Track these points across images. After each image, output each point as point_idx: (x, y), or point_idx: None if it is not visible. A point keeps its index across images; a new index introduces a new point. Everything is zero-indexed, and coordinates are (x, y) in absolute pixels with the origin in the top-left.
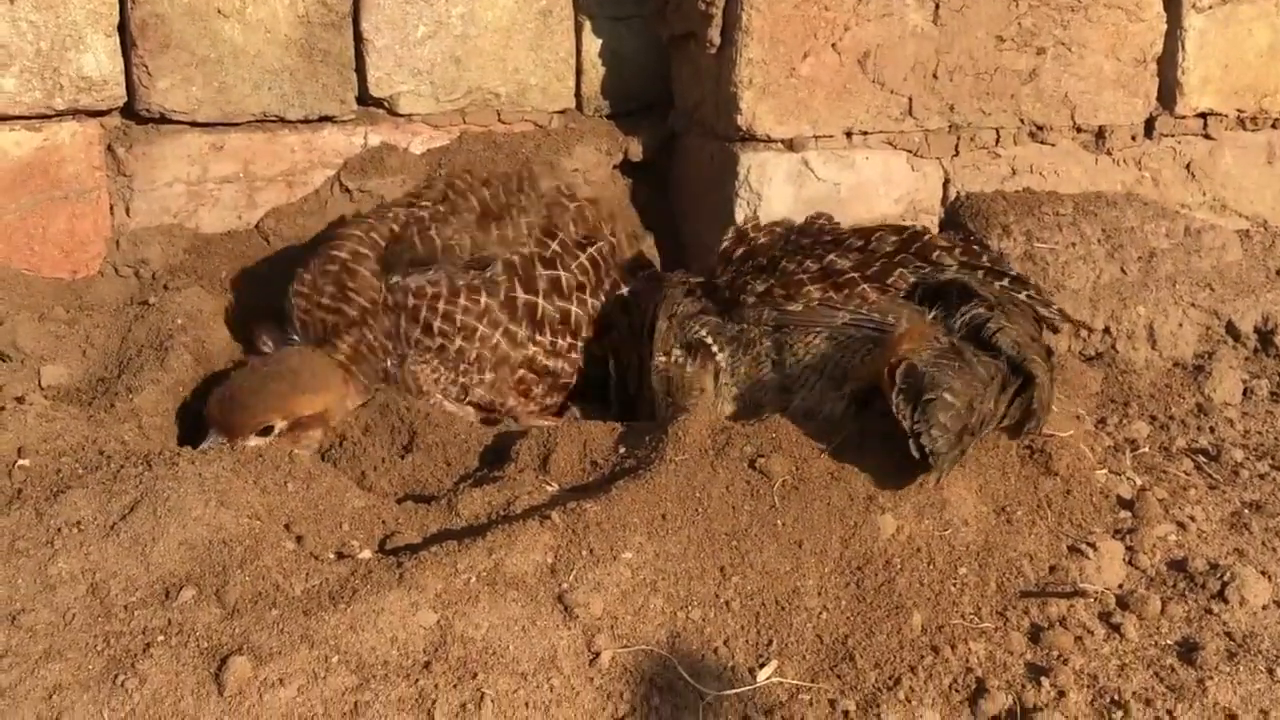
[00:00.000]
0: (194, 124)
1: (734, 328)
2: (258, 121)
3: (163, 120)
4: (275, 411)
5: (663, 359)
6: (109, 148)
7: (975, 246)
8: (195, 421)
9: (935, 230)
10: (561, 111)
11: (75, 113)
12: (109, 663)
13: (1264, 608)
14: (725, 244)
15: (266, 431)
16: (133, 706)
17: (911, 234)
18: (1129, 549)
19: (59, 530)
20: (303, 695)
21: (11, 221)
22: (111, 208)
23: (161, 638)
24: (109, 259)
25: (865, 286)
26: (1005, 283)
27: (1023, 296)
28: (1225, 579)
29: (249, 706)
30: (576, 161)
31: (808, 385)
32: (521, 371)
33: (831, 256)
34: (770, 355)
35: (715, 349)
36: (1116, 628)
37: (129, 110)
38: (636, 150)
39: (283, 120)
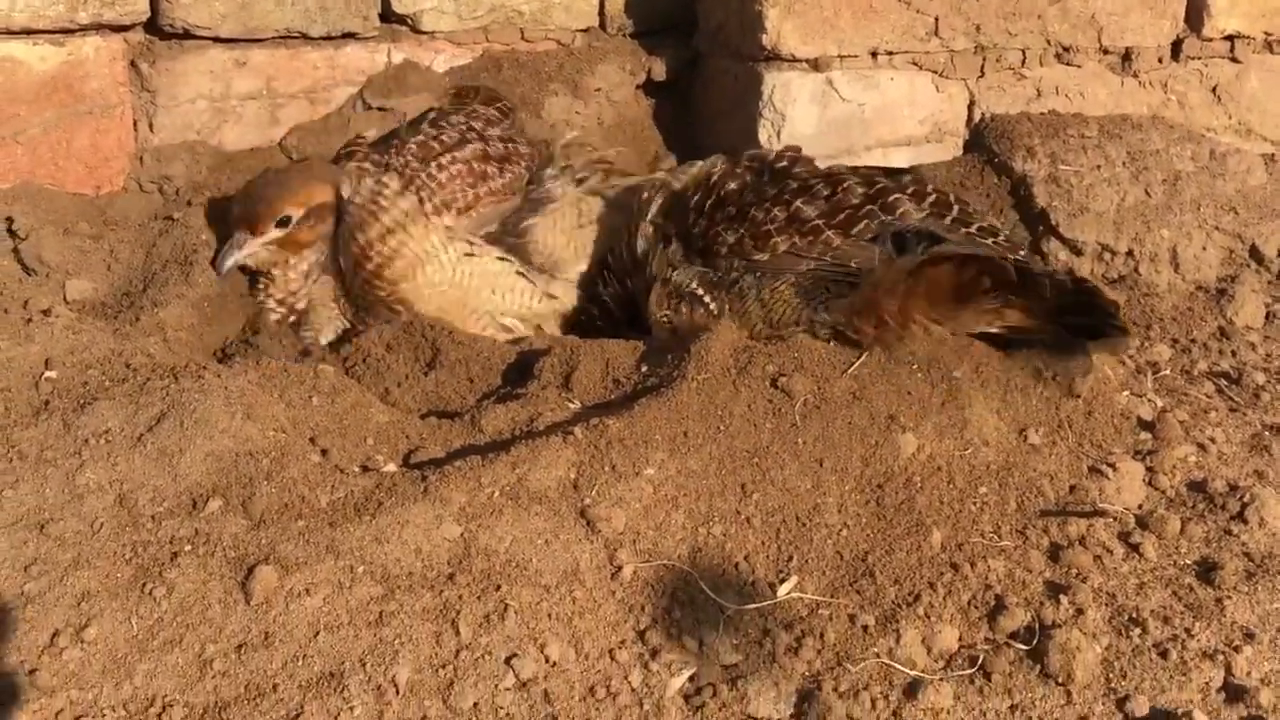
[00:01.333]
0: (217, 40)
1: (717, 275)
2: (281, 38)
3: (186, 36)
4: (291, 200)
5: (664, 316)
6: (132, 63)
7: (950, 198)
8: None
9: (960, 152)
10: (585, 30)
11: (99, 27)
12: (137, 571)
13: None
14: (695, 198)
15: (285, 223)
16: (160, 614)
17: (880, 189)
18: (1149, 470)
19: (86, 441)
20: (328, 605)
21: (36, 136)
22: (135, 123)
23: (189, 547)
24: (133, 175)
25: (830, 233)
26: (972, 229)
27: (989, 243)
28: (1245, 500)
29: (275, 615)
30: (599, 81)
31: (787, 325)
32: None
33: (799, 204)
34: (755, 298)
35: (708, 300)
36: (1135, 547)
37: (152, 25)
38: (660, 70)
39: (305, 37)
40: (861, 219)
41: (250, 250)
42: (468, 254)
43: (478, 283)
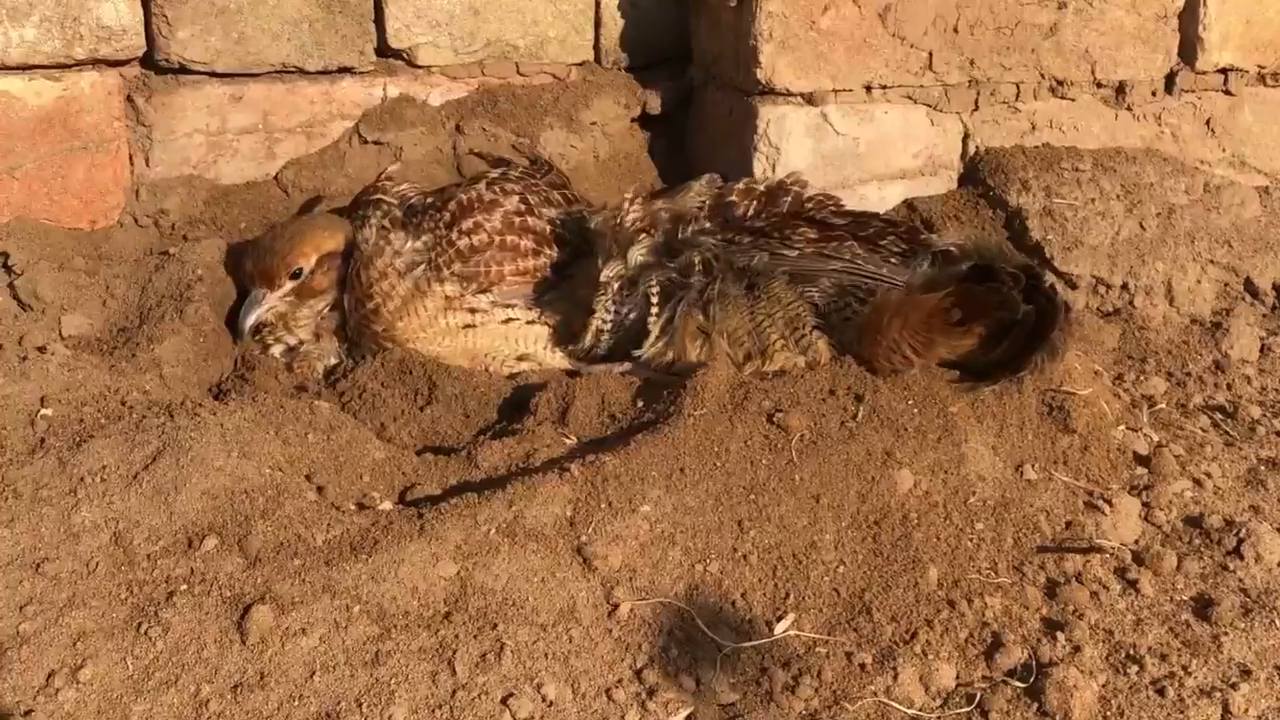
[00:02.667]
0: (213, 74)
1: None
2: (277, 72)
3: (182, 70)
4: (301, 253)
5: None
6: (128, 98)
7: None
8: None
9: (954, 185)
10: (580, 64)
11: (95, 62)
12: (132, 611)
13: (1279, 564)
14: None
15: (298, 275)
16: (156, 654)
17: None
18: (1145, 505)
19: (82, 479)
20: (325, 644)
21: (31, 171)
22: (131, 158)
23: (184, 586)
24: (128, 209)
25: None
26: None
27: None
28: (1241, 535)
29: (271, 655)
30: (594, 114)
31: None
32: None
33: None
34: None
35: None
36: (1132, 583)
37: (148, 60)
38: (655, 103)
39: (301, 71)
40: (888, 235)
41: (269, 305)
42: (468, 325)
43: (484, 341)
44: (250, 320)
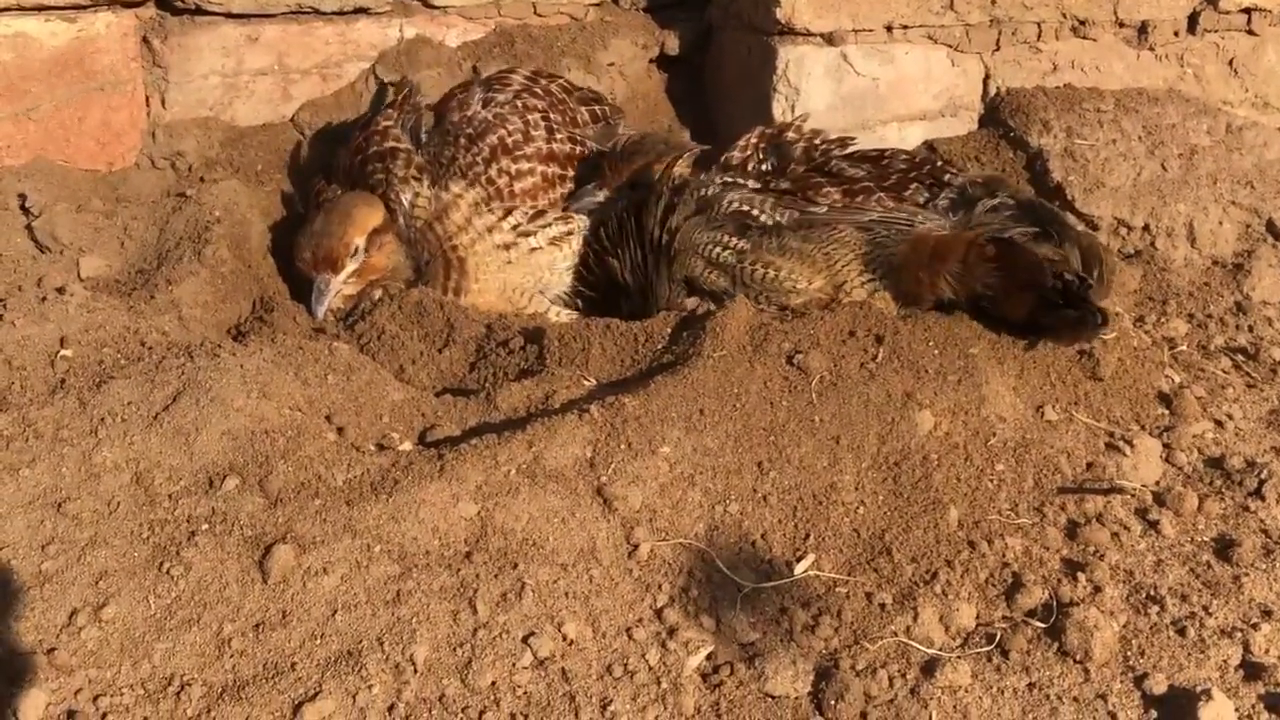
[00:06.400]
0: (229, 15)
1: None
2: (292, 13)
3: (198, 12)
4: (353, 230)
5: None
6: (144, 39)
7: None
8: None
9: (975, 126)
10: (597, 4)
11: (110, 3)
12: (154, 550)
13: None
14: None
15: (356, 252)
16: (178, 593)
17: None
18: (1166, 446)
19: (103, 420)
20: (346, 584)
21: (47, 112)
22: (147, 99)
23: (206, 526)
24: (145, 151)
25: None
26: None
27: None
28: (1262, 477)
29: (293, 594)
30: (612, 55)
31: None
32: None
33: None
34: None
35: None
36: (1153, 524)
37: (164, 1)
38: (673, 44)
39: (317, 12)
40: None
41: (336, 288)
42: (505, 261)
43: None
44: (323, 308)
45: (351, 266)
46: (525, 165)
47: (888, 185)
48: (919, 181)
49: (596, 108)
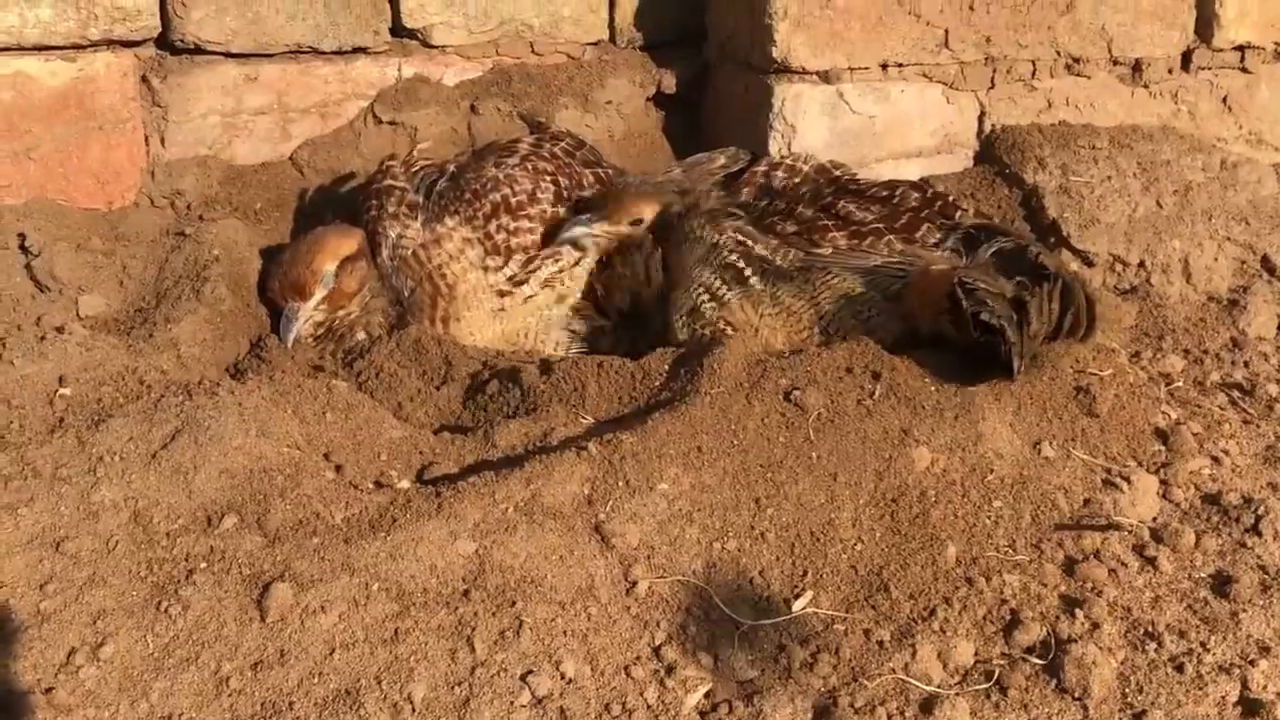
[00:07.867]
0: (228, 55)
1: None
2: (291, 53)
3: (197, 51)
4: (321, 259)
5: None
6: (143, 78)
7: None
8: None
9: (970, 163)
10: (595, 43)
11: (110, 43)
12: (152, 589)
13: None
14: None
15: (325, 279)
16: (176, 632)
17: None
18: (1163, 482)
19: (101, 458)
20: (344, 622)
21: (47, 152)
22: (146, 138)
23: (204, 565)
24: (144, 190)
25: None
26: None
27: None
28: (1259, 513)
29: (291, 633)
30: (609, 94)
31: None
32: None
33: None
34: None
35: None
36: (1150, 560)
37: (163, 41)
38: (670, 82)
39: (316, 51)
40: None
41: (306, 315)
42: (499, 309)
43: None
44: (292, 334)
45: (320, 293)
46: (526, 224)
47: (899, 227)
48: (930, 221)
49: (600, 170)
